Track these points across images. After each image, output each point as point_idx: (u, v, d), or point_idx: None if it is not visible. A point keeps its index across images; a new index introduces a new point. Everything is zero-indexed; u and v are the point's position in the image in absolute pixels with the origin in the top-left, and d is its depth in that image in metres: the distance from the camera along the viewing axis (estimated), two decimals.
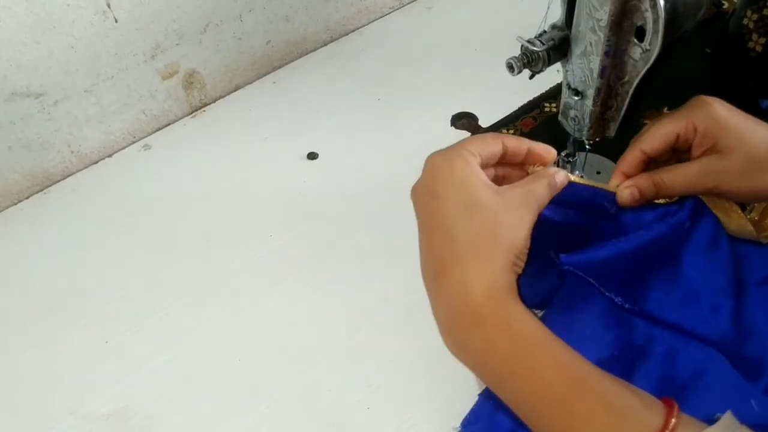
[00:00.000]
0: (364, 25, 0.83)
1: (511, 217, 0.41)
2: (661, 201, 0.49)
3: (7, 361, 0.55)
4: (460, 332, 0.41)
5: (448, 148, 0.43)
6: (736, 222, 0.50)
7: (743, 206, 0.51)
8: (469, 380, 0.51)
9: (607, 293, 0.47)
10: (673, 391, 0.45)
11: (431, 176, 0.43)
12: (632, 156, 0.49)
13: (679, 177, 0.47)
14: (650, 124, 0.49)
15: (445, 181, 0.42)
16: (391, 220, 0.62)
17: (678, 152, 0.50)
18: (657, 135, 0.48)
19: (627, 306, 0.47)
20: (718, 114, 0.47)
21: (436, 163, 0.43)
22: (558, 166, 0.62)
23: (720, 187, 0.46)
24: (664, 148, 0.48)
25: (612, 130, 0.54)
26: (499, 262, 0.40)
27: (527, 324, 0.40)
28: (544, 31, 0.52)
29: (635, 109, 0.52)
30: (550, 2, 0.51)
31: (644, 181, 0.48)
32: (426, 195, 0.43)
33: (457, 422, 0.49)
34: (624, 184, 0.48)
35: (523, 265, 0.42)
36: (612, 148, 0.60)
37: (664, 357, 0.46)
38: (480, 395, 0.47)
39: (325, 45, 0.81)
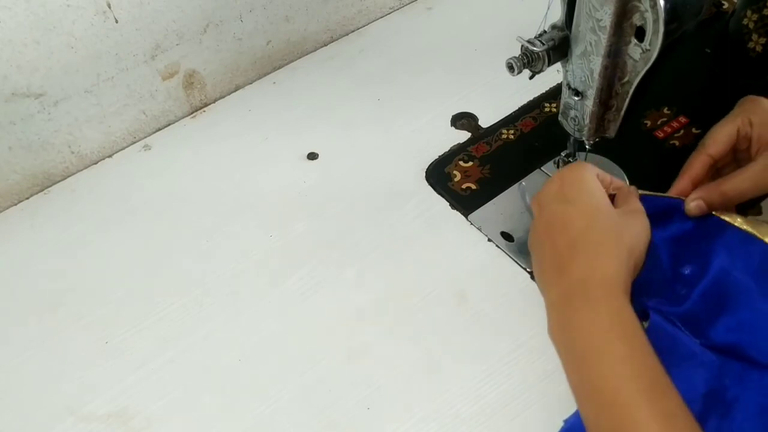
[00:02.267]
0: (364, 26, 0.83)
1: (634, 226, 0.47)
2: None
3: (7, 361, 0.55)
4: (567, 310, 0.43)
5: (571, 165, 0.50)
6: None
7: None
8: (470, 380, 0.51)
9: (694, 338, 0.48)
10: None
11: (563, 184, 0.48)
12: (700, 161, 0.52)
13: (743, 181, 0.50)
14: (711, 131, 0.52)
15: (578, 188, 0.47)
16: (391, 220, 0.62)
17: (738, 153, 0.52)
18: (720, 137, 0.51)
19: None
20: None
21: (568, 174, 0.49)
22: (558, 166, 0.63)
23: None
24: (728, 149, 0.51)
25: (612, 130, 0.54)
26: (622, 261, 0.44)
27: (632, 323, 0.42)
28: (544, 31, 0.52)
29: (635, 109, 0.52)
30: (550, 2, 0.51)
31: (711, 192, 0.50)
32: (557, 201, 0.48)
33: (457, 422, 0.49)
34: (690, 197, 0.50)
35: (637, 273, 0.46)
36: (612, 148, 0.61)
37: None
38: (565, 421, 0.48)
39: (325, 45, 0.81)
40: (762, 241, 0.49)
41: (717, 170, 0.53)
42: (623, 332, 0.41)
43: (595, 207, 0.47)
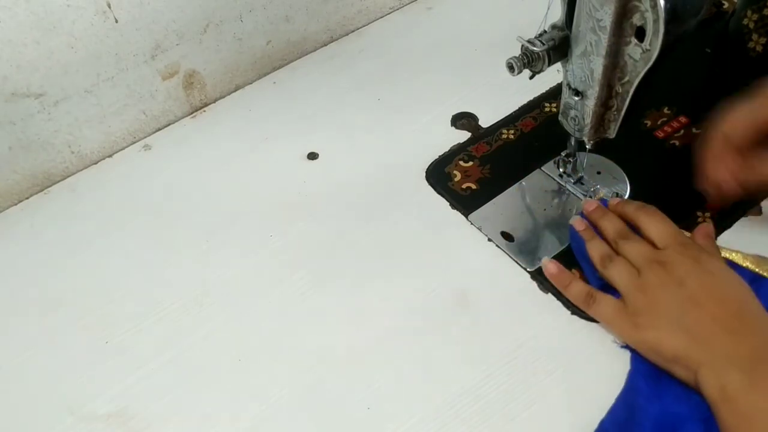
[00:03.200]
0: (364, 26, 0.83)
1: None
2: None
3: (7, 361, 0.55)
4: (755, 373, 0.44)
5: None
6: None
7: None
8: (470, 380, 0.51)
9: None
10: None
11: (699, 258, 0.50)
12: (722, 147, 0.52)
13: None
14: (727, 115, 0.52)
15: (714, 260, 0.51)
16: (391, 220, 0.62)
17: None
18: (740, 122, 0.51)
19: None
20: None
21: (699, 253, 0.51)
22: (558, 166, 0.63)
23: None
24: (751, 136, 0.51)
25: (612, 130, 0.54)
26: None
27: None
28: (544, 31, 0.52)
29: (635, 109, 0.52)
30: (550, 2, 0.51)
31: (747, 173, 0.51)
32: (701, 272, 0.50)
33: (457, 422, 0.49)
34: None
35: None
36: (612, 148, 0.61)
37: None
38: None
39: (325, 45, 0.81)
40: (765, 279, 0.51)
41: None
42: None
43: (739, 280, 0.49)
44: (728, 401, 0.43)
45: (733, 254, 0.53)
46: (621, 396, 0.48)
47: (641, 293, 0.50)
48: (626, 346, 0.51)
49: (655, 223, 0.53)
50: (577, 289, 0.53)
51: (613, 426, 0.47)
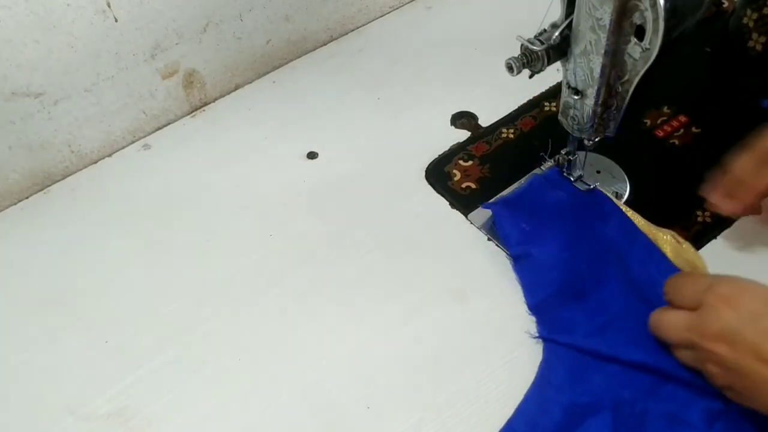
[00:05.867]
0: (363, 25, 0.83)
1: None
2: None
3: (7, 361, 0.55)
4: None
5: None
6: (684, 256, 0.54)
7: None
8: (470, 380, 0.51)
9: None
10: None
11: (737, 305, 0.45)
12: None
13: None
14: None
15: (754, 299, 0.46)
16: (391, 220, 0.62)
17: None
18: None
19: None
20: None
21: (728, 291, 0.46)
22: (558, 164, 0.63)
23: None
24: None
25: (612, 130, 0.54)
26: None
27: None
28: (544, 30, 0.52)
29: (635, 108, 0.52)
30: (550, 2, 0.51)
31: None
32: (748, 323, 0.45)
33: (457, 422, 0.49)
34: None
35: None
36: (612, 148, 0.61)
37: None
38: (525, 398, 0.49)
39: (325, 45, 0.81)
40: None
41: None
42: None
43: None
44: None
45: (637, 217, 0.56)
46: (531, 390, 0.49)
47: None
48: (540, 337, 0.52)
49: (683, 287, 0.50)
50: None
51: (521, 423, 0.48)
